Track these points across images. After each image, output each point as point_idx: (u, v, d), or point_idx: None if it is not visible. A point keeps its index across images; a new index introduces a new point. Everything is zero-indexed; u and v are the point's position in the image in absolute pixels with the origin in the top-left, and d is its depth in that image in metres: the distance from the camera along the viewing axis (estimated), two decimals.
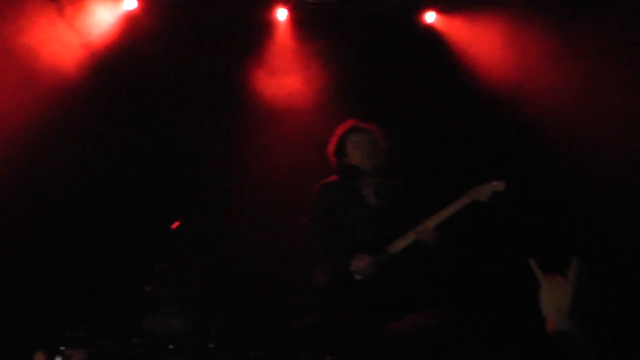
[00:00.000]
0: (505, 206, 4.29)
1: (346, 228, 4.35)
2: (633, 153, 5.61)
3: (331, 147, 4.52)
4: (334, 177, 4.52)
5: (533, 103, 6.07)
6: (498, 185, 4.22)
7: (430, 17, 6.48)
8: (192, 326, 5.34)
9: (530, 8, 6.13)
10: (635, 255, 5.56)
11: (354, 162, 4.42)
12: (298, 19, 6.32)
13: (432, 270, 4.46)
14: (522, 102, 6.12)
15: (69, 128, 5.75)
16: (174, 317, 5.32)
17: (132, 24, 5.91)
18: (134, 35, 5.88)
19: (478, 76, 6.33)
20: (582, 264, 2.06)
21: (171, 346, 5.44)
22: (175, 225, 5.52)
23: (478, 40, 6.35)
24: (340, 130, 4.52)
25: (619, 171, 5.64)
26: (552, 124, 5.96)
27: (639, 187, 5.61)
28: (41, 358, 1.72)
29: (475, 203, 4.19)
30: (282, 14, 6.29)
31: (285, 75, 6.30)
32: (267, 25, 6.29)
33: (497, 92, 6.24)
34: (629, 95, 5.69)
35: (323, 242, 4.37)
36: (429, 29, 6.50)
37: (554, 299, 2.03)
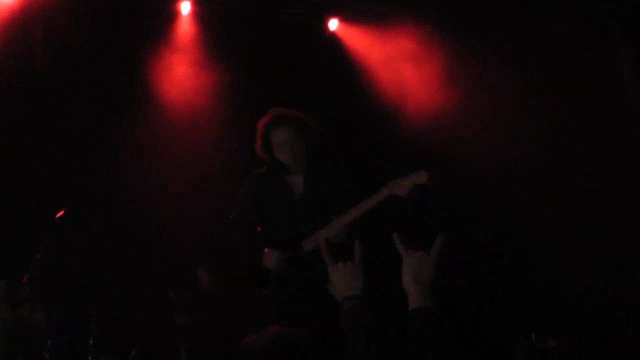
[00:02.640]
0: (428, 202, 3.93)
1: (270, 221, 4.15)
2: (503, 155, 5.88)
3: (257, 139, 4.19)
4: (263, 169, 4.26)
5: (420, 113, 6.25)
6: (419, 177, 3.75)
7: (333, 24, 6.59)
8: (54, 321, 5.15)
9: (425, 24, 6.33)
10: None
11: (280, 159, 4.16)
12: (201, 15, 6.26)
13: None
14: (409, 111, 6.28)
15: None
16: (36, 311, 5.13)
17: (28, 9, 5.68)
18: (29, 21, 5.66)
19: (372, 85, 6.46)
20: (447, 240, 2.07)
21: (49, 341, 5.26)
22: (59, 214, 5.33)
23: (375, 50, 6.50)
24: (263, 122, 4.19)
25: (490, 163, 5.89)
26: (434, 130, 6.15)
27: (509, 181, 5.86)
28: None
29: (393, 198, 3.79)
30: (185, 7, 6.20)
31: (183, 68, 6.22)
32: (170, 17, 6.19)
33: (388, 100, 6.38)
34: (512, 108, 5.95)
35: (242, 238, 4.14)
36: (332, 36, 6.60)
37: (414, 273, 2.02)
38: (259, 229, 4.23)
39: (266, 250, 4.06)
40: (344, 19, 6.59)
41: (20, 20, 5.66)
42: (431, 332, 1.92)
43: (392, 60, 6.42)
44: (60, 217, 5.31)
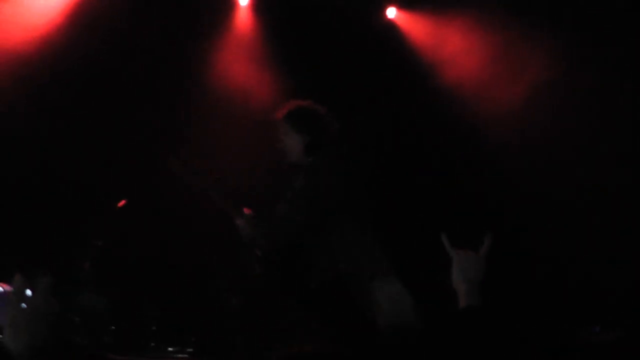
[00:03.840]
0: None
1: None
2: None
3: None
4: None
5: (487, 104, 6.11)
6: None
7: (391, 12, 6.51)
8: (116, 307, 5.29)
9: (491, 12, 6.16)
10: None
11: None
12: (259, 5, 6.29)
13: None
14: (476, 101, 6.15)
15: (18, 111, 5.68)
16: (97, 296, 5.27)
17: (85, 5, 5.82)
18: (87, 18, 5.79)
19: (436, 73, 6.35)
20: (493, 240, 2.09)
21: (113, 326, 5.41)
22: (121, 203, 5.48)
23: (438, 38, 6.37)
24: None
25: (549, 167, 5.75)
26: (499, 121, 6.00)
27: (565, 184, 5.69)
28: (19, 279, 1.70)
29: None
30: None
31: (242, 60, 6.26)
32: (228, 9, 6.24)
33: (452, 90, 6.25)
34: (587, 102, 5.74)
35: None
36: (391, 24, 6.51)
37: (464, 272, 2.05)
38: None
39: None
40: (403, 6, 6.49)
41: (82, 13, 5.79)
42: (482, 330, 1.94)
43: (462, 49, 6.27)
44: (122, 206, 5.49)
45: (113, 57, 5.85)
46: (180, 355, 5.44)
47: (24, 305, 1.64)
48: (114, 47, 5.83)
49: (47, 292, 1.66)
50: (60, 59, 5.71)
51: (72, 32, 5.77)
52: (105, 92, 5.88)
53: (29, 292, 1.68)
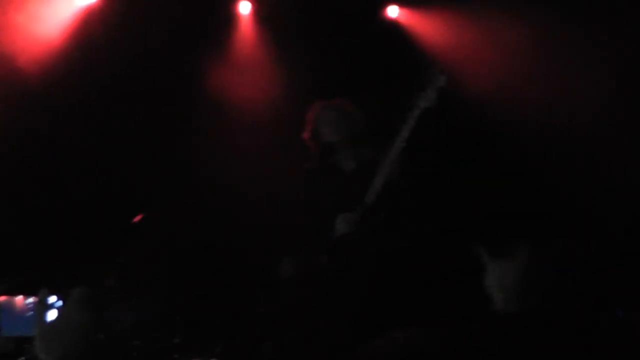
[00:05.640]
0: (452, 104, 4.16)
1: (328, 206, 4.44)
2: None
3: (306, 132, 4.61)
4: (314, 162, 4.62)
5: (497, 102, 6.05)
6: (439, 80, 4.04)
7: (393, 11, 6.43)
8: (139, 321, 5.31)
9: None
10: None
11: (326, 139, 4.52)
12: (261, 13, 6.30)
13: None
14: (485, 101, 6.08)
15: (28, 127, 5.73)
16: (123, 312, 5.30)
17: (90, 18, 5.87)
18: (91, 30, 5.85)
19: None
20: (534, 247, 2.11)
21: (136, 341, 5.42)
22: (137, 218, 5.50)
23: (440, 35, 6.32)
24: (310, 113, 4.61)
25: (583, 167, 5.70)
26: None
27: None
28: (43, 291, 1.69)
29: (427, 111, 4.05)
30: (245, 7, 6.26)
31: (248, 71, 6.25)
32: (230, 19, 6.26)
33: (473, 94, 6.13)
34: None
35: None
36: (394, 24, 6.45)
37: (501, 281, 2.07)
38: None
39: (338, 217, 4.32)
40: (404, 4, 6.42)
41: (82, 32, 5.86)
42: (517, 335, 1.94)
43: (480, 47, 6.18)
44: (138, 221, 5.51)
45: (121, 66, 5.91)
46: None
47: (53, 316, 1.63)
48: (120, 56, 5.89)
49: (80, 302, 1.63)
50: (69, 68, 5.78)
51: (80, 42, 5.85)
52: (114, 102, 5.94)
53: (60, 303, 1.66)
